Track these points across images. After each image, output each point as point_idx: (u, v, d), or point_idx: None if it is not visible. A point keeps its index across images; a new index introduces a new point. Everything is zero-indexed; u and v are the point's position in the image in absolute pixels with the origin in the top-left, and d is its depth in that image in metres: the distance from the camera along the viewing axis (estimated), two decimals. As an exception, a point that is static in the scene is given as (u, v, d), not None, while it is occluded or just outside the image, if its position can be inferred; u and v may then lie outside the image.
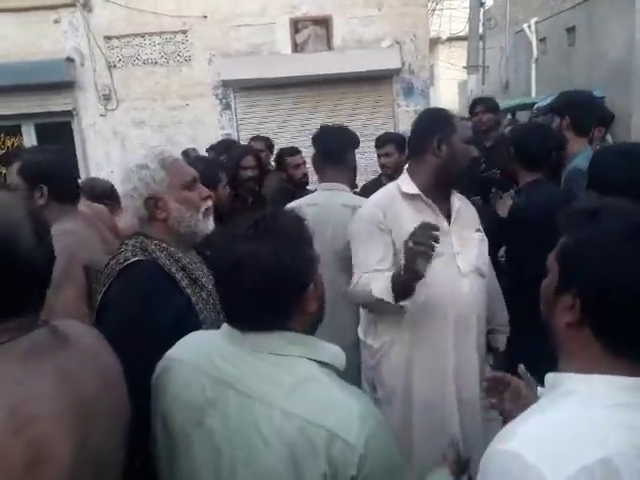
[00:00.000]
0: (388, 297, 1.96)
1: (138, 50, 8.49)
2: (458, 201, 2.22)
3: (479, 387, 2.15)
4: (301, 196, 3.15)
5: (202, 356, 1.21)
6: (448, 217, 2.18)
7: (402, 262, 1.86)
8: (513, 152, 2.81)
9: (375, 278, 2.03)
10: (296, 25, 8.60)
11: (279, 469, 1.05)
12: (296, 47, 8.62)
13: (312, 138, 2.97)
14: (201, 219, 1.79)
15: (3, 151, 8.41)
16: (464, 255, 2.13)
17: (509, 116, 12.17)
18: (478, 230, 2.22)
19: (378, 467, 1.06)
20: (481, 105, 4.44)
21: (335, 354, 1.19)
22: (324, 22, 8.61)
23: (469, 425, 2.18)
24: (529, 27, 12.23)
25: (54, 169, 2.19)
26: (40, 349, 0.99)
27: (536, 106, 10.29)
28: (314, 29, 8.61)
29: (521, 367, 1.41)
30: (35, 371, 0.96)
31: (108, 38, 8.41)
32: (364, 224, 2.20)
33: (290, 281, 1.12)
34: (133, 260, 1.63)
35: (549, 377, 0.99)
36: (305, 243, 1.19)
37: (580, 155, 2.93)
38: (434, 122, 2.18)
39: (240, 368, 1.14)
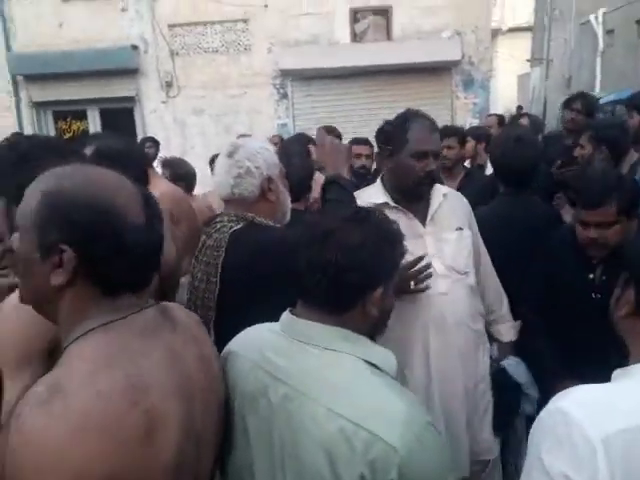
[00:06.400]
0: None
1: (200, 38, 8.67)
2: (440, 198, 2.17)
3: (464, 397, 2.09)
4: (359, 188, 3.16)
5: (255, 349, 1.22)
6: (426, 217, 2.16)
7: None
8: (605, 149, 2.74)
9: None
10: (355, 15, 8.58)
11: (319, 465, 1.04)
12: (355, 37, 8.61)
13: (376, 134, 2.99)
14: (290, 206, 1.97)
15: (70, 134, 8.77)
16: (439, 256, 2.10)
17: (570, 111, 11.77)
18: (459, 228, 2.17)
19: (421, 473, 1.02)
20: (580, 102, 4.19)
21: (386, 358, 1.16)
22: (384, 12, 8.56)
23: (454, 437, 2.08)
24: (596, 18, 11.78)
25: (123, 157, 2.18)
26: (153, 327, 1.03)
27: (601, 101, 9.93)
28: (374, 19, 8.56)
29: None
30: (149, 347, 1.00)
31: (172, 26, 8.62)
32: None
33: (363, 271, 1.12)
34: (237, 227, 1.78)
35: (616, 373, 1.04)
36: (393, 250, 1.19)
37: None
38: (393, 130, 2.16)
39: (289, 360, 1.15)
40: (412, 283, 1.96)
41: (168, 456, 0.95)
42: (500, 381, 2.23)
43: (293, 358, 1.15)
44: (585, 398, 0.96)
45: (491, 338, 2.32)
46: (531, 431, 1.00)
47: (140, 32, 8.64)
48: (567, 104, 4.22)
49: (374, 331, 1.21)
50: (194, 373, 1.07)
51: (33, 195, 0.97)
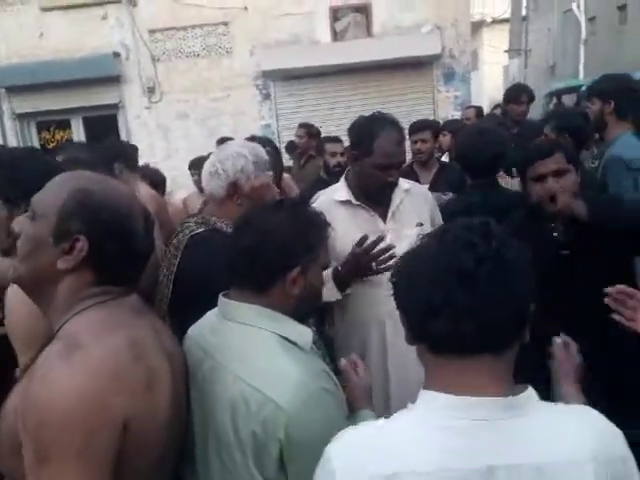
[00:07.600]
0: (333, 296, 2.05)
1: (181, 43, 8.66)
2: (402, 194, 2.22)
3: None
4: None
5: (199, 328, 1.39)
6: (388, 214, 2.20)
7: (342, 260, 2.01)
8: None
9: None
10: (335, 13, 8.58)
11: (226, 423, 1.19)
12: (335, 35, 8.61)
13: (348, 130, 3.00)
14: None
15: (54, 144, 8.76)
16: (398, 252, 2.14)
17: (554, 100, 11.84)
18: (419, 224, 2.20)
19: (308, 434, 1.13)
20: (526, 95, 4.40)
21: (301, 333, 1.27)
22: (364, 9, 8.56)
23: None
24: (578, 6, 11.84)
25: (91, 166, 2.28)
26: (139, 307, 1.21)
27: (584, 89, 9.98)
28: (354, 16, 8.57)
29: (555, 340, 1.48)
30: (138, 321, 1.16)
31: (152, 32, 8.60)
32: None
33: (276, 252, 1.24)
34: (198, 231, 1.82)
35: (420, 393, 0.99)
36: (312, 233, 1.31)
37: (619, 141, 2.89)
38: (360, 136, 2.17)
39: (216, 336, 1.30)
40: (374, 265, 1.98)
41: (165, 409, 1.11)
42: None
43: (221, 335, 1.30)
44: (354, 442, 0.95)
45: None
46: None
47: (121, 39, 8.63)
48: (513, 99, 4.42)
49: (301, 309, 1.31)
50: (170, 346, 1.24)
51: (62, 189, 1.13)
